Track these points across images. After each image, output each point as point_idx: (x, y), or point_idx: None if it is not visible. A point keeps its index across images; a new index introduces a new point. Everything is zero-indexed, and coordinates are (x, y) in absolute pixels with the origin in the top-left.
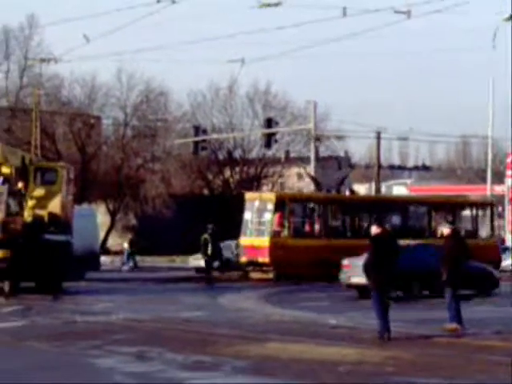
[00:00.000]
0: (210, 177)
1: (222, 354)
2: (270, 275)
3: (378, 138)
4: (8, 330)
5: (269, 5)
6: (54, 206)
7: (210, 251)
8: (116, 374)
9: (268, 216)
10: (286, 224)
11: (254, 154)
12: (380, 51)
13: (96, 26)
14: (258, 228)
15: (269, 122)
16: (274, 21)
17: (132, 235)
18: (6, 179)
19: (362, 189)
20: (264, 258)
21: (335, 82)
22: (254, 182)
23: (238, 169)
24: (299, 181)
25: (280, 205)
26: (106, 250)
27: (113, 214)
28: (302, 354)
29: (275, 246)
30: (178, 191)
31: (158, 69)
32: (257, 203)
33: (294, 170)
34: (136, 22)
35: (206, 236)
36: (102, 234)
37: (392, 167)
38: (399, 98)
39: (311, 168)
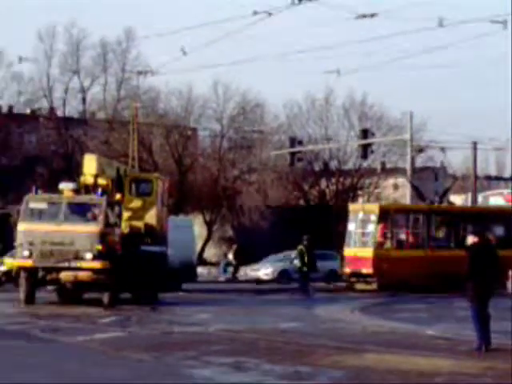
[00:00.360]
0: (306, 188)
1: (319, 364)
2: (374, 286)
3: (475, 148)
4: (106, 340)
5: (364, 16)
6: (150, 217)
7: (306, 262)
8: None
9: (372, 227)
10: (390, 235)
11: (349, 165)
12: (476, 61)
13: (192, 39)
14: (361, 239)
15: (365, 133)
16: (369, 32)
17: (237, 245)
18: (104, 191)
19: (458, 200)
20: (367, 269)
21: (431, 92)
22: (349, 193)
23: (333, 180)
24: (395, 191)
25: (384, 216)
26: (202, 261)
27: (209, 225)
28: (399, 364)
29: (379, 257)
30: (274, 202)
31: (254, 80)
32: (361, 214)
33: (390, 180)
34: (232, 34)
35: (301, 247)
36: (198, 245)
37: (489, 178)
38: (496, 107)
39: (407, 179)
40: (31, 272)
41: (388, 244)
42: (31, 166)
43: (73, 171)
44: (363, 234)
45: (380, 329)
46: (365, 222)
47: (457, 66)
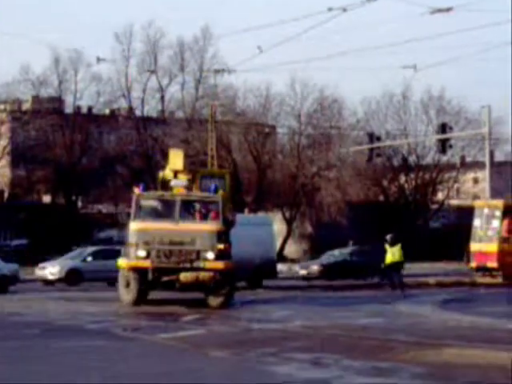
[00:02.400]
0: (385, 183)
1: (399, 360)
2: (499, 280)
3: None
4: (188, 337)
5: (440, 10)
6: (227, 213)
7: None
8: (293, 380)
9: (496, 222)
10: None
11: (428, 160)
12: None
13: (269, 36)
14: (486, 234)
15: (443, 128)
16: (446, 26)
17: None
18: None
19: None
20: (492, 263)
21: (509, 85)
22: (429, 188)
23: (412, 175)
24: (474, 186)
25: (508, 211)
26: (283, 258)
27: (289, 222)
28: (479, 359)
29: (503, 252)
30: (353, 198)
31: (331, 77)
32: (485, 210)
33: (470, 175)
34: (309, 31)
35: (386, 245)
36: (278, 242)
37: None
38: None
39: (486, 173)
40: (143, 273)
41: None
42: (110, 165)
43: (152, 170)
44: (488, 230)
45: (460, 323)
46: (489, 218)
47: None
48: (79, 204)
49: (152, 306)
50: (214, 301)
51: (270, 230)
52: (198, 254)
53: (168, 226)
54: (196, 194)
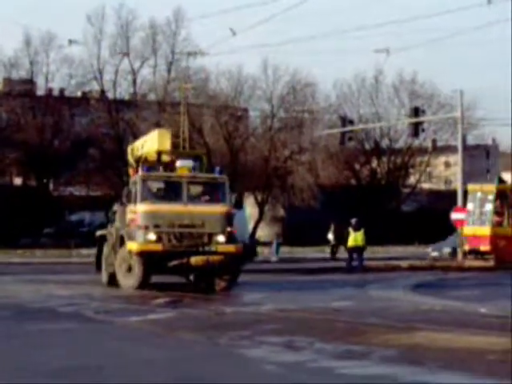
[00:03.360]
0: (358, 167)
1: (371, 343)
2: (491, 263)
3: None
4: (159, 321)
5: None
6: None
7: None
8: (267, 363)
9: (489, 206)
10: (507, 214)
11: (400, 144)
12: None
13: (241, 19)
14: (479, 218)
15: (415, 111)
16: (418, 10)
17: (334, 225)
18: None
19: (508, 178)
20: (485, 247)
21: (482, 69)
22: (401, 172)
23: (385, 158)
24: (446, 169)
25: (501, 196)
26: (255, 241)
27: (261, 206)
28: (451, 343)
29: (496, 235)
30: (325, 182)
31: (303, 60)
32: (479, 194)
33: (442, 158)
34: (282, 14)
35: (349, 228)
36: (250, 226)
37: None
38: None
39: (458, 157)
40: (150, 257)
41: (505, 222)
42: (82, 148)
43: (124, 153)
44: (481, 213)
45: (432, 307)
46: (483, 202)
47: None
48: (51, 186)
49: (123, 289)
50: (219, 284)
51: (243, 212)
52: (210, 237)
53: (177, 208)
54: (203, 175)
